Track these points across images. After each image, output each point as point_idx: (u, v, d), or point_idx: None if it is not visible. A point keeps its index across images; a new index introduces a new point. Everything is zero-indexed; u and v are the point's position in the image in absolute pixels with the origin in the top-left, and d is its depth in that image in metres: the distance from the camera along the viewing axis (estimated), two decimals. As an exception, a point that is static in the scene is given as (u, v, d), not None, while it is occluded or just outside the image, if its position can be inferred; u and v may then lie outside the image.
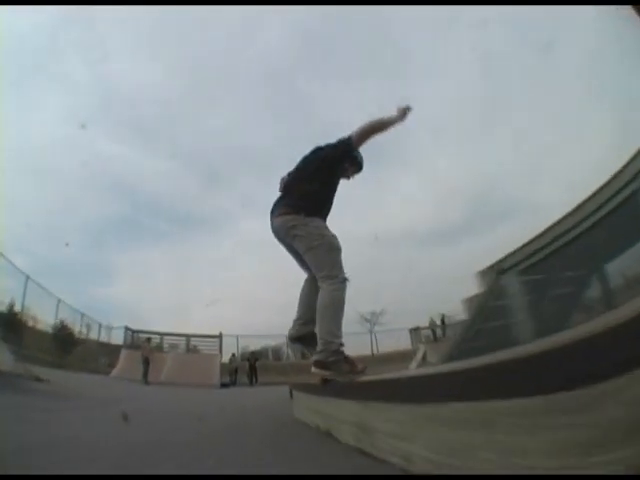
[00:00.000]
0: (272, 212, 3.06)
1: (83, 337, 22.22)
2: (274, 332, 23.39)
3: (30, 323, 19.11)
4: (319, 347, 2.70)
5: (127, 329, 19.79)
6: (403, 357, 23.97)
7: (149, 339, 18.06)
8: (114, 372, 17.06)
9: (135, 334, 19.86)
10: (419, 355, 22.34)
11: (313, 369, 2.70)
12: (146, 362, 15.78)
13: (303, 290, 3.19)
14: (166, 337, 20.48)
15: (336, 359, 2.65)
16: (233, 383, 18.68)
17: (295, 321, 3.15)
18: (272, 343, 26.08)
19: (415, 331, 26.67)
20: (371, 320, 34.63)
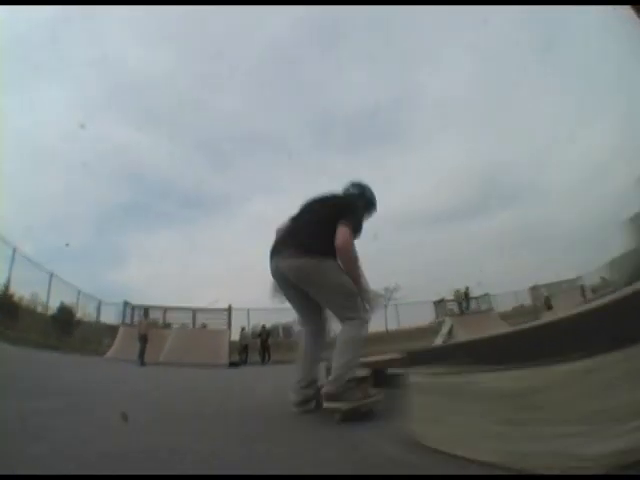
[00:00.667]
0: (278, 252, 2.81)
1: (88, 319, 20.51)
2: (287, 305, 21.36)
3: (26, 305, 17.62)
4: (331, 377, 2.54)
5: (126, 304, 17.55)
6: (423, 333, 22.16)
7: (146, 313, 15.74)
8: (109, 353, 15.11)
9: (136, 310, 17.59)
10: (445, 329, 20.29)
11: (325, 404, 2.50)
12: (143, 340, 13.68)
13: (305, 346, 2.93)
14: (170, 313, 18.07)
15: (349, 387, 2.48)
16: (243, 362, 16.58)
17: (297, 383, 2.83)
18: (282, 321, 23.74)
19: (440, 303, 24.21)
20: (385, 295, 32.99)
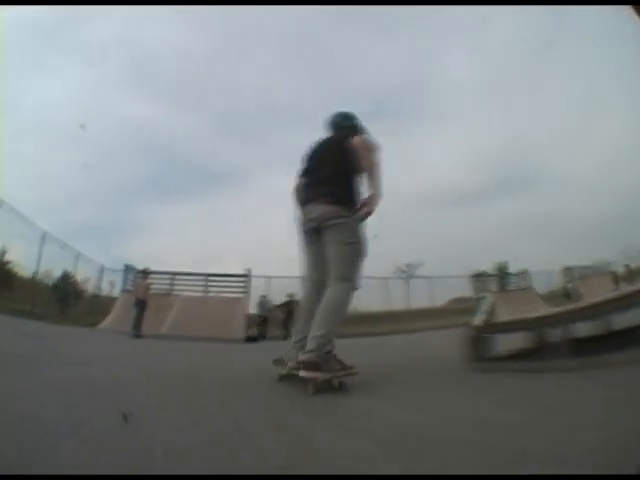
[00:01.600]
0: (308, 197, 2.83)
1: (99, 292, 17.76)
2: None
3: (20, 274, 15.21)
4: (310, 346, 2.42)
5: (128, 268, 14.54)
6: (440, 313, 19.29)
7: (145, 273, 12.30)
8: (103, 323, 12.38)
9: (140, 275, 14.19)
10: (486, 306, 17.06)
11: (302, 373, 2.33)
12: (140, 305, 10.71)
13: (309, 301, 2.82)
14: (180, 280, 14.74)
15: (327, 358, 2.45)
16: (262, 336, 13.57)
17: (299, 342, 2.67)
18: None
19: (478, 278, 20.78)
20: (407, 271, 32.24)
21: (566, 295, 19.62)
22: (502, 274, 21.00)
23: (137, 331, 10.18)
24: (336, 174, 2.72)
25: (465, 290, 20.94)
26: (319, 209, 2.67)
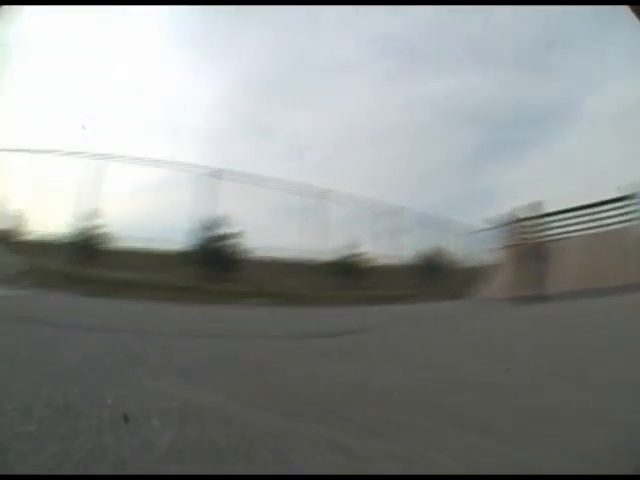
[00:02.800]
0: None
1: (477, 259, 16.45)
2: None
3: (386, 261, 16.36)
4: None
5: (505, 219, 11.31)
6: None
7: (538, 215, 9.78)
8: (487, 291, 11.09)
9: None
10: None
11: None
12: (534, 259, 8.85)
13: None
14: (570, 216, 11.61)
15: None
16: None
17: None
18: None
19: None
20: None
21: None
22: None
23: (540, 291, 8.35)
24: None
25: None
26: None
